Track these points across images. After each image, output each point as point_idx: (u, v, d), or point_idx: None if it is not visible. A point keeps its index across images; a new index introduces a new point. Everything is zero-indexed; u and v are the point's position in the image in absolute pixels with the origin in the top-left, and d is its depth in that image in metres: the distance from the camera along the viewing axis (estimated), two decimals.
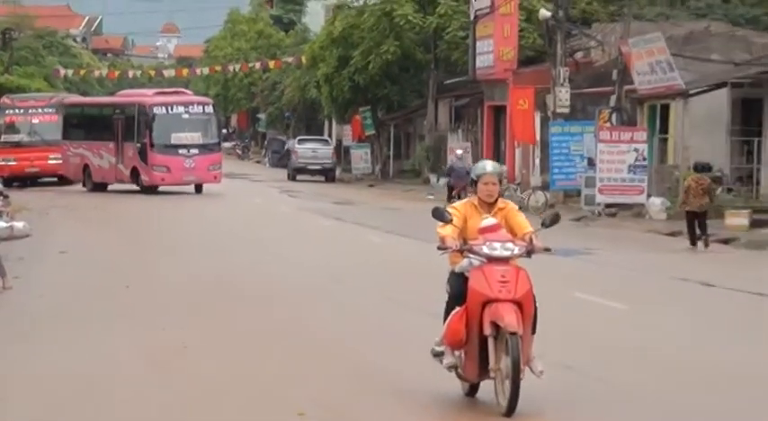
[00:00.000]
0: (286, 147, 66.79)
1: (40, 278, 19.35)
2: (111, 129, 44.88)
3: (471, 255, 9.74)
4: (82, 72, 79.68)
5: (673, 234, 28.28)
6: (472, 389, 10.12)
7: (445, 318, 9.99)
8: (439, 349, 10.09)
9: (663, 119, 36.31)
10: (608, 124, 36.03)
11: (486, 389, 9.94)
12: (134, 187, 43.38)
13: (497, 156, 48.44)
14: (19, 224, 26.48)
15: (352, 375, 11.52)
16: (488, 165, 10.32)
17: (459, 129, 53.79)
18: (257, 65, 72.69)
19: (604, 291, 17.95)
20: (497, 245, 9.62)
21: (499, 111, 48.38)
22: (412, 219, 34.76)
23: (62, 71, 75.75)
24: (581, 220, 33.48)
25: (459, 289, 9.88)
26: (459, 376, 10.02)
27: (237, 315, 15.48)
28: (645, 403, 10.39)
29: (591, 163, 34.67)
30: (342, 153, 64.04)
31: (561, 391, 10.71)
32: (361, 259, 23.08)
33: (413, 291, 17.92)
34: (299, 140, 62.19)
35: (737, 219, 28.91)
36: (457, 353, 9.85)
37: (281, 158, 67.00)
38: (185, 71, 79.36)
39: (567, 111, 38.49)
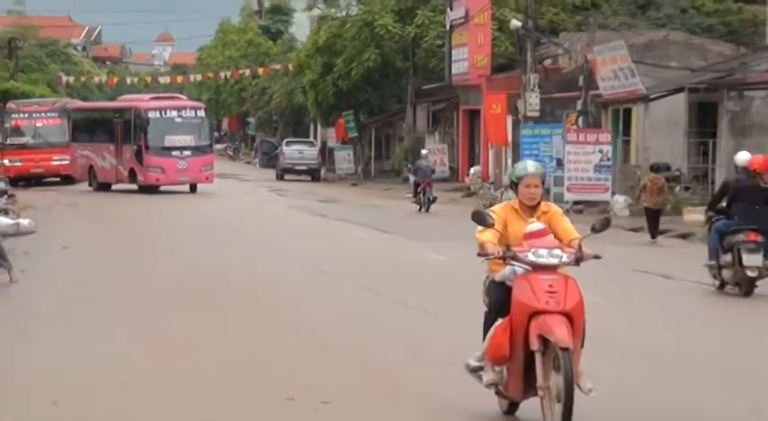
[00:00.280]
0: (277, 150, 66.81)
1: (45, 272, 19.30)
2: (112, 133, 44.92)
3: (515, 263, 8.53)
4: (83, 79, 79.41)
5: (634, 229, 28.35)
6: (512, 408, 8.97)
7: (485, 332, 8.80)
8: (476, 364, 8.92)
9: (625, 122, 36.43)
10: (575, 127, 36.14)
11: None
12: (135, 187, 43.23)
13: (472, 157, 48.64)
14: (24, 221, 26.53)
15: (337, 360, 11.53)
16: (530, 166, 9.12)
17: (436, 131, 53.87)
18: (247, 72, 72.60)
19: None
20: (544, 252, 8.46)
21: (474, 115, 48.51)
22: (392, 215, 34.94)
23: (64, 78, 75.43)
24: None
25: (499, 299, 8.67)
26: (499, 394, 8.89)
27: (230, 305, 15.50)
28: (607, 385, 10.42)
29: (559, 163, 34.77)
30: (326, 154, 64.05)
31: None
32: (344, 252, 23.13)
33: (390, 282, 18.02)
34: (287, 142, 62.23)
35: (694, 216, 28.95)
36: (497, 368, 8.70)
37: (271, 159, 66.97)
38: (180, 78, 79.07)
39: (536, 114, 38.57)
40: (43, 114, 50.20)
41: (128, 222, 31.27)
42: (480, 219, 8.68)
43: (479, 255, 8.64)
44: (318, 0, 57.55)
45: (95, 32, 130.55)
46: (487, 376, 8.69)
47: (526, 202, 8.90)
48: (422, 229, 29.08)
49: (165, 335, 13.08)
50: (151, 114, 42.91)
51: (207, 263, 20.68)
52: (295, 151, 59.86)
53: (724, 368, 11.45)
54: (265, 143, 75.02)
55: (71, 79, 75.93)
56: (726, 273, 16.75)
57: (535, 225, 8.65)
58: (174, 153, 42.33)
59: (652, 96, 34.38)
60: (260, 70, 71.24)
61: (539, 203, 8.94)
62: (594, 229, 9.00)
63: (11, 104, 51.78)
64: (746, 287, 16.46)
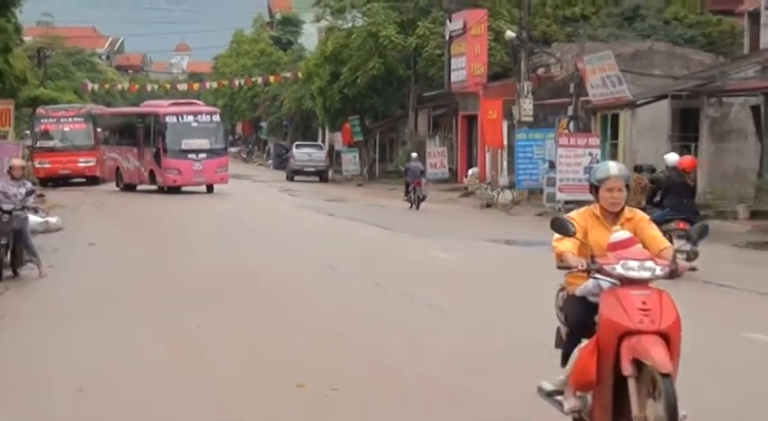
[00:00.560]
0: (287, 152, 66.86)
1: (72, 267, 19.33)
2: (135, 136, 44.96)
3: (599, 277, 7.19)
4: (106, 86, 79.54)
5: None
6: None
7: (566, 353, 7.50)
8: (551, 388, 7.69)
9: (613, 126, 36.40)
10: (566, 131, 36.09)
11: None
12: (165, 187, 43.08)
13: (470, 160, 48.61)
14: (53, 219, 26.64)
15: (346, 351, 11.50)
16: (613, 167, 7.72)
17: (436, 135, 53.86)
18: (259, 79, 72.67)
19: (559, 275, 17.92)
20: (634, 264, 7.06)
21: (471, 120, 48.49)
22: (396, 214, 34.93)
23: (89, 85, 75.53)
24: (543, 215, 33.48)
25: (581, 317, 7.36)
26: None
27: (244, 299, 15.48)
28: None
29: (551, 165, 34.73)
30: (334, 156, 64.06)
31: (534, 365, 10.77)
32: (352, 249, 23.09)
33: (397, 278, 17.98)
34: (297, 146, 62.31)
35: None
36: (579, 393, 7.30)
37: (282, 161, 67.04)
38: (196, 85, 79.13)
39: (530, 119, 38.57)
40: (70, 119, 50.23)
41: (149, 221, 31.29)
42: (561, 226, 7.34)
43: (560, 267, 7.40)
44: (326, 12, 57.52)
45: (118, 43, 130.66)
46: (569, 403, 7.37)
47: (608, 208, 7.58)
48: (425, 227, 29.06)
49: (183, 327, 13.06)
50: (169, 119, 42.93)
51: (223, 259, 20.67)
52: (304, 154, 59.94)
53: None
54: (278, 146, 75.12)
55: (96, 86, 76.05)
56: None
57: (621, 233, 7.35)
58: (190, 155, 42.34)
59: (638, 103, 34.35)
60: (271, 78, 71.26)
61: (622, 209, 7.63)
62: (691, 238, 8.17)
63: (40, 110, 51.82)
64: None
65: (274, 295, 15.87)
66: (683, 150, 33.96)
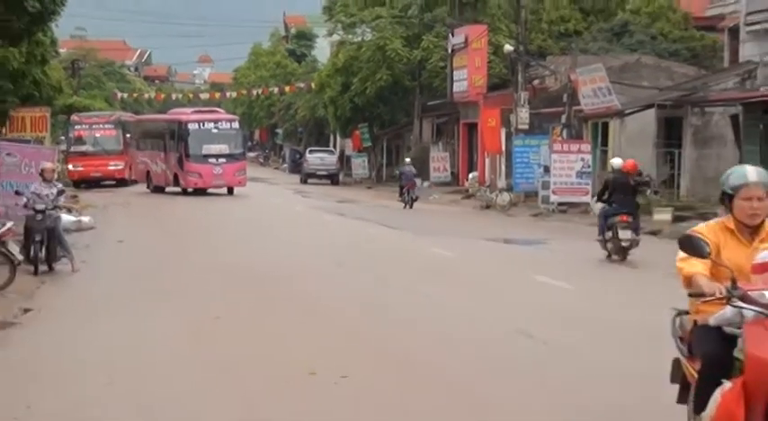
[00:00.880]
0: (301, 157, 66.89)
1: (102, 262, 19.39)
2: (162, 141, 44.92)
3: (741, 304, 5.47)
4: (135, 95, 79.86)
5: None
6: None
7: (699, 394, 5.76)
8: None
9: (603, 134, 36.40)
10: (560, 138, 36.12)
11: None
12: (189, 189, 43.00)
13: (471, 164, 48.63)
14: (85, 218, 26.71)
15: (354, 341, 11.51)
16: (751, 173, 5.91)
17: (439, 142, 53.87)
18: (275, 89, 72.75)
19: (555, 273, 18.00)
20: None
21: (472, 128, 48.49)
22: (401, 214, 34.96)
23: (119, 94, 75.78)
24: (538, 216, 33.59)
25: (718, 351, 5.66)
26: None
27: (260, 293, 15.51)
28: (578, 359, 10.45)
29: (546, 169, 34.73)
30: (344, 161, 64.07)
31: (523, 355, 10.81)
32: (359, 247, 23.11)
33: (402, 273, 18.02)
34: (310, 151, 62.33)
35: (662, 216, 29.02)
36: None
37: (296, 165, 67.07)
38: (217, 94, 79.38)
39: (526, 127, 38.56)
40: (101, 126, 50.34)
41: (174, 220, 31.35)
42: (693, 246, 5.77)
43: (692, 295, 5.81)
44: (338, 27, 57.55)
45: (146, 55, 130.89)
46: None
47: (745, 221, 5.91)
48: (429, 227, 29.08)
49: (204, 319, 13.09)
50: (191, 126, 42.89)
51: (241, 256, 20.68)
52: (317, 158, 59.95)
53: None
54: (292, 151, 75.14)
55: (125, 95, 76.32)
56: (609, 246, 19.81)
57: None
58: (210, 160, 42.27)
59: (626, 112, 34.35)
60: (287, 88, 71.36)
61: (763, 222, 5.93)
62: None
63: (74, 117, 51.95)
64: (622, 254, 19.58)
65: (288, 289, 15.88)
66: (667, 156, 34.07)
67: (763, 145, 27.89)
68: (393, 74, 52.81)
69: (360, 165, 60.22)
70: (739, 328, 5.56)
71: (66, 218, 21.03)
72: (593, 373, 9.84)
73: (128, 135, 50.41)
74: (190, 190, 42.62)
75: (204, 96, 78.86)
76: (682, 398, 6.28)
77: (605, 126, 36.20)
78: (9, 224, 16.20)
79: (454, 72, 48.04)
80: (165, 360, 10.45)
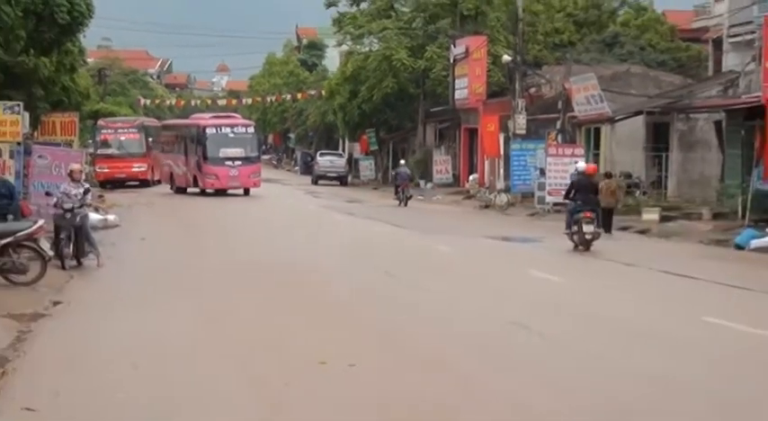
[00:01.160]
0: (312, 160, 66.90)
1: (127, 258, 19.40)
2: (184, 145, 44.88)
3: None
4: (157, 101, 79.70)
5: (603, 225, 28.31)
6: None
7: None
8: None
9: (596, 138, 36.42)
10: (555, 142, 36.10)
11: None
12: (206, 190, 42.80)
13: (471, 167, 48.65)
14: (111, 217, 26.79)
15: (362, 332, 11.54)
16: None
17: (442, 145, 53.87)
18: (288, 96, 72.73)
19: (550, 268, 18.03)
20: None
21: (472, 133, 48.49)
22: (405, 213, 34.95)
23: (142, 101, 75.72)
24: (534, 216, 33.58)
25: None
26: None
27: (273, 286, 15.55)
28: (567, 349, 10.48)
29: (542, 172, 34.73)
30: (352, 163, 64.05)
31: (516, 344, 10.84)
32: (367, 244, 23.15)
33: (406, 268, 18.06)
34: (320, 154, 62.29)
35: (650, 215, 29.02)
36: None
37: (307, 168, 67.08)
38: (234, 101, 79.10)
39: (523, 132, 38.57)
40: (126, 130, 50.37)
41: (194, 219, 31.35)
42: None
43: None
44: (347, 38, 57.53)
45: (167, 64, 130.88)
46: None
47: None
48: (432, 225, 29.06)
49: (222, 310, 13.15)
50: (209, 131, 42.79)
51: (256, 252, 20.74)
52: (327, 161, 59.92)
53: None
54: (304, 154, 75.13)
55: (148, 102, 76.27)
56: (575, 238, 21.35)
57: None
58: (227, 163, 42.14)
59: (617, 118, 34.38)
60: (299, 95, 71.34)
61: None
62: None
63: (100, 122, 52.05)
64: (586, 245, 21.06)
65: (300, 283, 15.91)
66: (655, 159, 34.08)
67: (745, 149, 27.88)
68: (398, 82, 52.80)
69: (367, 168, 60.23)
70: None
71: (93, 216, 21.09)
72: (582, 361, 9.89)
73: (150, 139, 50.48)
74: (209, 190, 42.60)
75: (222, 103, 78.61)
76: None
77: (597, 131, 36.23)
78: (40, 222, 16.26)
79: (456, 80, 48.05)
80: (185, 348, 10.49)
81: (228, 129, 43.16)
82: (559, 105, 36.77)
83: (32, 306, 13.05)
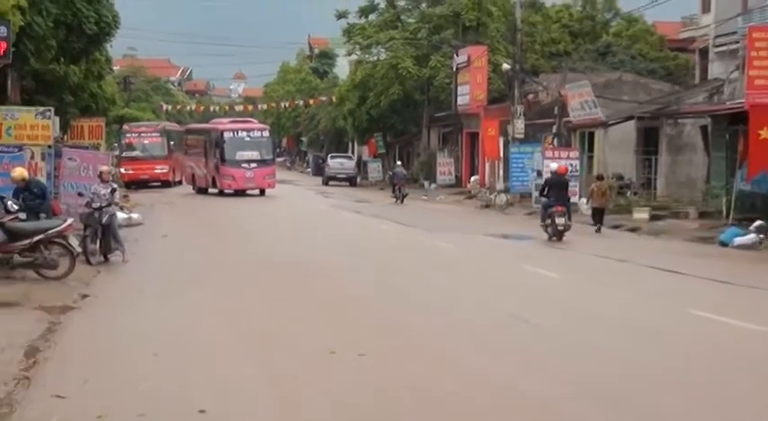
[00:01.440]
0: (323, 162, 66.91)
1: (149, 254, 19.46)
2: (204, 148, 44.87)
3: None
4: (178, 107, 79.74)
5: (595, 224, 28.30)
6: None
7: None
8: None
9: (590, 142, 36.40)
10: (551, 146, 36.10)
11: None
12: (226, 190, 42.61)
13: (473, 168, 48.64)
14: (135, 215, 26.85)
15: (370, 323, 11.54)
16: None
17: (445, 149, 53.85)
18: (301, 102, 72.73)
19: (546, 264, 18.04)
20: None
21: (474, 136, 48.49)
22: (410, 212, 34.94)
23: (164, 106, 75.78)
24: (532, 214, 33.44)
25: None
26: None
27: (287, 281, 15.56)
28: (562, 340, 10.49)
29: (539, 173, 34.64)
30: (361, 165, 64.06)
31: (511, 333, 10.86)
32: (374, 241, 23.15)
33: (410, 262, 18.07)
34: (331, 156, 62.23)
35: (641, 214, 29.00)
36: None
37: (319, 169, 67.08)
38: (250, 107, 79.14)
39: (522, 136, 38.55)
40: (149, 134, 50.43)
41: (212, 217, 31.38)
42: None
43: None
44: (356, 48, 57.52)
45: (188, 72, 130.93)
46: None
47: None
48: (435, 223, 29.05)
49: (238, 303, 13.19)
50: (226, 134, 42.75)
51: (270, 249, 20.77)
52: (337, 163, 59.88)
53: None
54: (315, 157, 75.13)
55: (169, 107, 76.32)
56: (549, 229, 22.76)
57: None
58: (243, 165, 42.06)
59: (609, 123, 34.35)
60: (311, 101, 71.27)
61: None
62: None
63: (125, 126, 52.13)
64: (559, 235, 22.57)
65: (312, 277, 15.93)
66: (645, 162, 34.05)
67: (729, 152, 27.85)
68: (404, 89, 52.81)
69: (375, 169, 60.22)
70: None
71: (118, 215, 21.13)
72: (573, 350, 9.91)
73: (171, 142, 50.51)
74: (227, 191, 42.60)
75: (238, 108, 78.70)
76: None
77: (591, 135, 36.20)
78: (70, 220, 16.31)
79: (458, 87, 48.02)
80: (204, 338, 10.52)
81: (245, 133, 43.13)
82: (555, 111, 36.75)
83: (62, 299, 13.10)
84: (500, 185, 40.46)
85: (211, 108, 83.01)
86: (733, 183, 26.15)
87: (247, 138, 42.90)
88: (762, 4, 31.34)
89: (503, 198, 37.04)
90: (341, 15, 56.85)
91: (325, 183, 57.77)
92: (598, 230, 26.16)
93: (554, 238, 22.57)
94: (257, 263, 17.92)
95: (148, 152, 49.40)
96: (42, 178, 20.06)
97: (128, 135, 50.40)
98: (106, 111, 40.39)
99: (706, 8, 38.73)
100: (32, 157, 20.90)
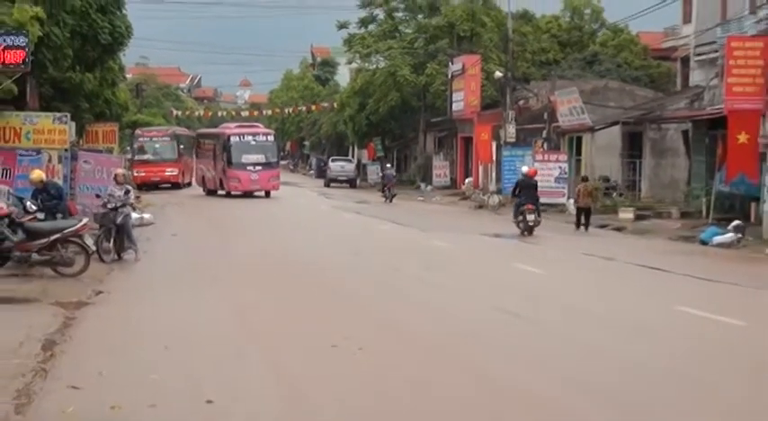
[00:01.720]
0: (325, 165, 66.92)
1: (160, 253, 19.39)
2: (213, 151, 44.79)
3: None
4: (187, 112, 79.90)
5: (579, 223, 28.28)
6: None
7: None
8: None
9: (578, 146, 36.42)
10: (541, 149, 36.13)
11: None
12: (235, 192, 42.46)
13: (467, 171, 48.64)
14: (147, 215, 26.82)
15: (369, 318, 11.53)
16: None
17: (440, 152, 53.91)
18: (303, 108, 72.80)
19: (536, 262, 18.03)
20: None
21: (468, 141, 48.53)
22: (407, 212, 34.93)
23: (174, 112, 75.96)
24: None
25: None
26: None
27: (289, 278, 15.52)
28: (551, 335, 10.49)
29: None
30: (361, 168, 64.10)
31: (503, 328, 10.85)
32: (372, 240, 23.14)
33: (406, 260, 18.05)
34: (332, 159, 62.21)
35: (626, 214, 29.02)
36: None
37: (321, 172, 67.06)
38: (255, 112, 79.35)
39: (513, 140, 38.60)
40: (160, 138, 50.40)
41: (220, 217, 31.34)
42: None
43: None
44: (356, 57, 57.58)
45: (197, 79, 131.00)
46: None
47: None
48: (430, 223, 29.03)
49: (244, 299, 13.17)
50: (233, 138, 42.62)
51: (274, 248, 20.73)
52: (338, 166, 59.85)
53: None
54: (317, 160, 75.13)
55: (179, 113, 76.45)
56: (521, 225, 23.79)
57: None
58: (249, 167, 41.92)
59: (596, 128, 34.37)
60: (313, 107, 71.39)
61: None
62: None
63: (137, 131, 52.13)
64: (529, 230, 23.60)
65: (314, 274, 15.91)
66: (630, 165, 34.07)
67: (708, 156, 27.88)
68: (402, 96, 52.87)
69: (374, 172, 60.16)
70: None
71: (132, 215, 21.10)
72: (561, 344, 9.90)
73: (181, 146, 50.47)
74: (233, 193, 42.53)
75: (245, 114, 78.92)
76: None
77: (579, 139, 36.22)
78: (85, 220, 16.30)
79: (453, 94, 48.08)
80: (212, 333, 10.49)
81: (250, 137, 43.04)
82: (545, 116, 36.78)
83: (77, 295, 13.07)
84: (493, 187, 40.46)
85: (219, 113, 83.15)
86: (712, 185, 26.16)
87: (253, 142, 42.82)
88: (739, 16, 31.34)
89: (495, 199, 37.03)
90: (342, 26, 56.88)
91: (327, 185, 57.75)
92: (587, 227, 26.19)
93: (525, 233, 23.60)
94: (262, 260, 17.89)
95: (159, 155, 49.37)
96: (59, 180, 20.05)
97: (140, 139, 50.39)
98: (119, 117, 40.40)
99: (687, 19, 38.76)
100: (50, 160, 20.90)
